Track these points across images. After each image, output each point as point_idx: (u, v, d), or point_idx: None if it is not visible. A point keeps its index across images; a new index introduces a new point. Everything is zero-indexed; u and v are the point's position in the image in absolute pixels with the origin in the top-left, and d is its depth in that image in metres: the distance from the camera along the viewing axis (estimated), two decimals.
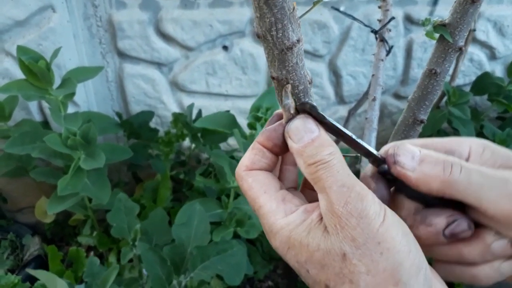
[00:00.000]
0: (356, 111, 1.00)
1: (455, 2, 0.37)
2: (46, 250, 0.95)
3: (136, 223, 0.78)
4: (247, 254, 0.80)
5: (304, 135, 0.24)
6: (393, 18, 0.60)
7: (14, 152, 0.74)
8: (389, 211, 0.23)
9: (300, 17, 0.23)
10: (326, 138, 0.25)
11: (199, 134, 1.00)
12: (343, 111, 1.19)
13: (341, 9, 1.02)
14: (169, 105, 1.08)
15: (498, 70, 1.21)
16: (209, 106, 1.10)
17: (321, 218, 0.23)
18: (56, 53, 0.72)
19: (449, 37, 0.37)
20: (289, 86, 0.25)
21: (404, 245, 0.21)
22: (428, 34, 0.39)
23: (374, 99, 0.53)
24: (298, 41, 0.23)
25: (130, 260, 0.82)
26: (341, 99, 1.18)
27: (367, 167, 0.27)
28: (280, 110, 0.27)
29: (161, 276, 0.69)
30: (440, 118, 1.08)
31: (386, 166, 0.25)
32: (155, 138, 1.04)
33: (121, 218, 0.79)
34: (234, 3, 0.97)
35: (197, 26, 0.97)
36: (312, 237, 0.23)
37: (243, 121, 0.91)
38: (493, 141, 1.05)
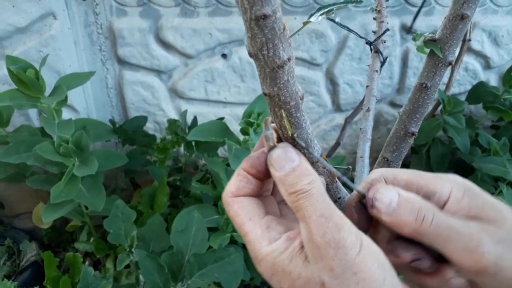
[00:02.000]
0: (352, 119, 1.01)
1: (445, 18, 0.38)
2: (43, 256, 0.95)
3: (133, 230, 0.79)
4: (244, 260, 0.80)
5: (285, 164, 0.25)
6: (387, 30, 0.61)
7: (9, 161, 0.74)
8: (365, 241, 0.24)
9: (291, 36, 0.24)
10: (306, 166, 0.26)
11: (193, 142, 1.00)
12: (339, 119, 1.20)
13: (338, 18, 1.03)
14: (168, 112, 1.09)
15: (492, 80, 1.22)
16: (207, 113, 1.11)
17: (303, 246, 0.24)
18: (44, 61, 0.72)
19: (439, 52, 0.38)
20: (268, 118, 0.26)
21: (379, 274, 0.23)
22: (419, 49, 0.40)
23: (368, 110, 0.54)
24: (289, 59, 0.23)
25: (127, 266, 0.82)
26: (337, 107, 1.19)
27: (352, 194, 0.29)
28: (273, 125, 0.28)
29: (158, 283, 0.69)
30: (435, 126, 1.09)
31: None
32: (152, 145, 1.04)
33: (118, 224, 0.79)
34: (233, 12, 0.98)
35: (197, 34, 0.98)
36: (294, 265, 0.24)
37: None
38: (488, 150, 1.06)
